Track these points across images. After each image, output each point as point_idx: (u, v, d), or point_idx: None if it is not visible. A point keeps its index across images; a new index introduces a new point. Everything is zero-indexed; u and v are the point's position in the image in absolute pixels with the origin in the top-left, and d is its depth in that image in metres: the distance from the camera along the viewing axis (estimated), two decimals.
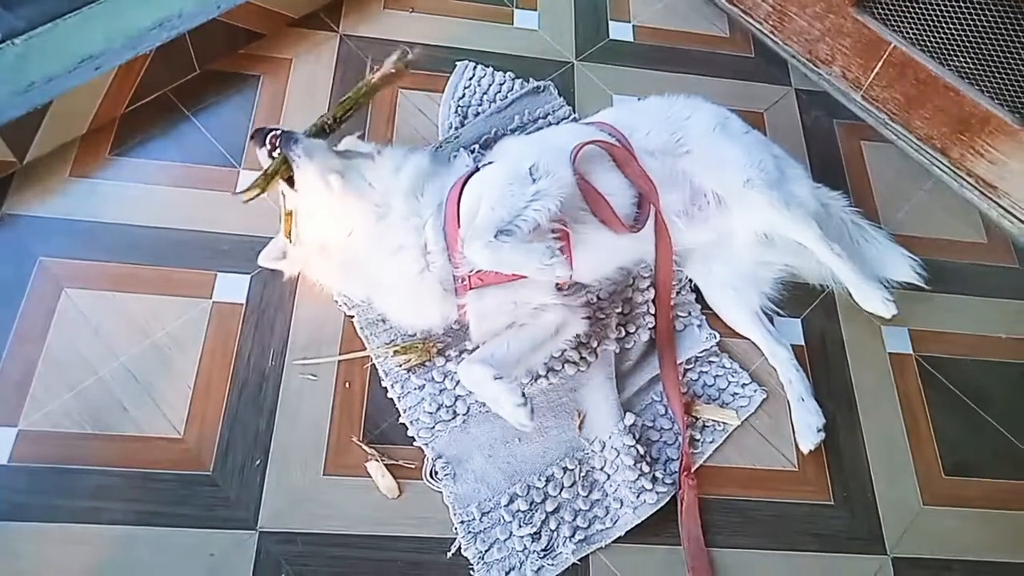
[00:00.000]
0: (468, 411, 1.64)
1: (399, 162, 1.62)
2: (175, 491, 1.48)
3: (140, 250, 1.71)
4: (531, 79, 2.13)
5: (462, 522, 1.52)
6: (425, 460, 1.58)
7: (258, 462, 1.53)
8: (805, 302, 1.90)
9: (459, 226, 1.51)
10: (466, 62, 2.12)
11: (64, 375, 1.55)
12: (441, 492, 1.55)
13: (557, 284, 1.62)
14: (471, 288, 1.54)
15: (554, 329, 1.63)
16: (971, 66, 1.97)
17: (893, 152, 2.22)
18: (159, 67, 1.88)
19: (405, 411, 1.62)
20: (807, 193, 1.77)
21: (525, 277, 1.53)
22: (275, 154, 1.53)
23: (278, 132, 1.54)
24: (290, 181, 1.53)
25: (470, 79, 2.09)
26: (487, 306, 1.57)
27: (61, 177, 1.78)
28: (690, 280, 1.87)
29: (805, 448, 1.71)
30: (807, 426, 1.72)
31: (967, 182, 2.14)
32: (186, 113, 1.92)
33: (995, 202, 2.11)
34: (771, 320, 1.85)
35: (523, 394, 1.44)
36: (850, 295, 1.80)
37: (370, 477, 1.55)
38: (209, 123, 1.91)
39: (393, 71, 1.63)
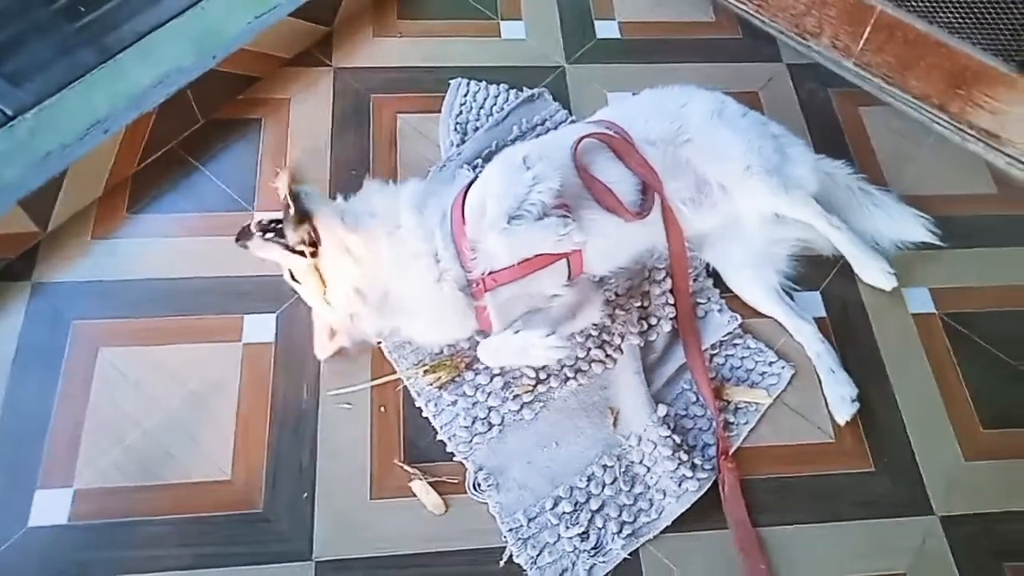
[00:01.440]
0: (503, 421, 1.67)
1: (394, 188, 1.68)
2: (229, 531, 1.52)
3: (167, 302, 1.76)
4: (525, 88, 2.16)
5: (510, 530, 1.55)
6: (467, 473, 1.61)
7: (306, 494, 1.57)
8: (822, 274, 1.91)
9: (465, 230, 1.55)
10: (459, 79, 2.16)
11: (110, 431, 1.60)
12: (486, 503, 1.58)
13: (569, 275, 1.64)
14: (486, 290, 1.57)
15: (570, 312, 1.65)
16: (960, 20, 1.97)
17: (892, 114, 2.23)
18: (164, 123, 1.93)
19: (441, 428, 1.65)
20: (807, 172, 1.79)
21: (537, 271, 1.56)
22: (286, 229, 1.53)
23: (294, 194, 1.52)
24: (312, 246, 1.54)
25: (465, 95, 2.13)
26: (505, 304, 1.59)
27: (84, 240, 1.83)
28: (707, 265, 1.89)
29: (841, 420, 1.71)
30: (840, 398, 1.73)
31: (970, 135, 2.14)
32: (195, 164, 1.97)
33: (1000, 151, 2.11)
34: (791, 296, 1.86)
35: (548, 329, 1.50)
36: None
37: (416, 496, 1.58)
38: (218, 171, 1.96)
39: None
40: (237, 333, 1.73)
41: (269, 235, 1.56)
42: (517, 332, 1.53)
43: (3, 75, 1.83)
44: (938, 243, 1.88)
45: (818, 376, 1.77)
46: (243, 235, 1.58)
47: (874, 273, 1.84)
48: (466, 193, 1.59)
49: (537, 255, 1.54)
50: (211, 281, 1.79)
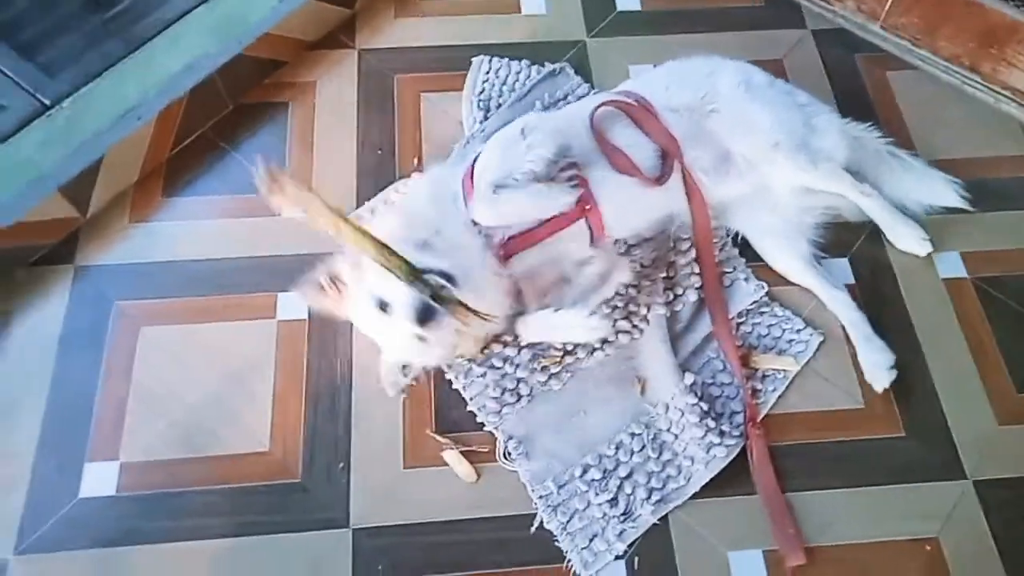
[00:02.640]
0: (531, 391, 1.69)
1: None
2: (269, 501, 1.57)
3: (204, 282, 1.81)
4: (546, 63, 2.16)
5: (540, 497, 1.58)
6: (497, 443, 1.64)
7: (341, 465, 1.61)
8: (850, 240, 1.89)
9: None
10: (481, 56, 2.17)
11: (154, 407, 1.66)
12: (517, 471, 1.61)
13: (593, 237, 1.66)
14: (509, 256, 1.58)
15: (599, 280, 1.68)
16: None
17: (921, 78, 2.19)
18: (194, 108, 1.97)
19: (471, 399, 1.69)
20: (835, 142, 1.77)
21: (554, 233, 1.59)
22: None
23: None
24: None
25: (487, 72, 2.14)
26: (532, 269, 1.62)
27: (122, 225, 1.89)
28: (736, 234, 1.89)
29: (879, 387, 1.70)
30: (877, 365, 1.72)
31: (1003, 95, 2.10)
32: (226, 148, 2.01)
33: None
34: (821, 264, 1.85)
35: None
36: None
37: (447, 466, 1.62)
38: (248, 154, 2.00)
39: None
40: (272, 311, 1.78)
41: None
42: (557, 311, 1.57)
43: (39, 66, 1.88)
44: (968, 208, 1.85)
45: (853, 345, 1.76)
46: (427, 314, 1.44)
47: (908, 240, 1.82)
48: (474, 165, 1.62)
49: (552, 217, 1.56)
50: (245, 261, 1.84)
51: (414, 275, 1.37)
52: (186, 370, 1.70)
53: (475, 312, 1.42)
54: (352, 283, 1.54)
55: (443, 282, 1.41)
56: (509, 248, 1.58)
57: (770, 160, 1.75)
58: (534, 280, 1.63)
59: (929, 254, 1.87)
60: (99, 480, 1.58)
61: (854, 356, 1.76)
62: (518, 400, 1.69)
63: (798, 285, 1.84)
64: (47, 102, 1.85)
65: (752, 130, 1.75)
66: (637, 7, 2.32)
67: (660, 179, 1.67)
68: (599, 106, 1.71)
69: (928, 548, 1.56)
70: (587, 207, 1.61)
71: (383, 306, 1.48)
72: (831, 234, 1.88)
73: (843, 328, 1.79)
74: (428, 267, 1.41)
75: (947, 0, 2.02)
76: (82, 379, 1.68)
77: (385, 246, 1.35)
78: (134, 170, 1.93)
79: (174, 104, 1.93)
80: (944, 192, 1.86)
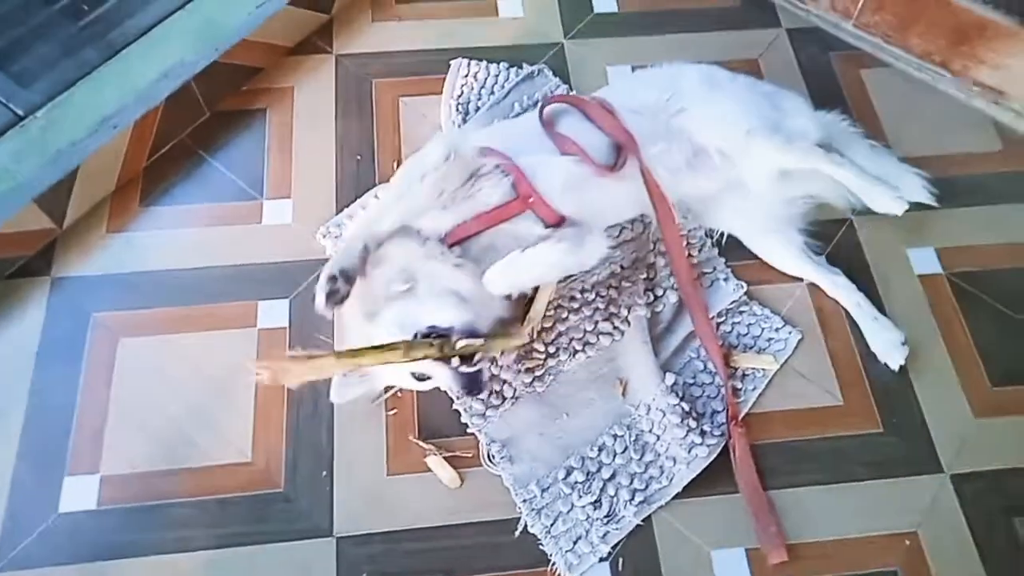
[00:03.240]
0: (515, 394, 1.70)
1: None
2: (253, 511, 1.57)
3: (183, 292, 1.80)
4: (524, 65, 2.17)
5: (524, 500, 1.59)
6: (480, 447, 1.65)
7: (324, 473, 1.61)
8: (826, 239, 1.91)
9: None
10: (459, 60, 2.17)
11: (133, 419, 1.65)
12: (500, 475, 1.62)
13: (547, 225, 1.58)
14: (451, 245, 1.52)
15: (573, 244, 1.53)
16: None
17: (894, 75, 2.21)
18: (171, 116, 1.96)
19: (457, 398, 1.68)
20: (806, 121, 1.79)
21: (497, 223, 1.54)
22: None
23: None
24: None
25: (465, 76, 2.14)
26: (481, 255, 1.53)
27: (99, 235, 1.88)
28: (721, 235, 1.90)
29: (895, 365, 1.74)
30: (890, 343, 1.75)
31: (974, 92, 2.13)
32: (203, 155, 2.00)
33: (1006, 107, 2.09)
34: (818, 238, 1.88)
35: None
36: (865, 209, 1.81)
37: (431, 471, 1.62)
38: (226, 161, 1.99)
39: None
40: (252, 319, 1.77)
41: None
42: (524, 251, 1.48)
43: (12, 76, 1.86)
44: (933, 203, 1.85)
45: (860, 328, 1.79)
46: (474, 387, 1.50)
47: (883, 200, 1.77)
48: None
49: (494, 208, 1.52)
50: (224, 269, 1.83)
51: (443, 354, 1.40)
52: (166, 381, 1.69)
53: (505, 343, 1.50)
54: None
55: (467, 341, 1.41)
56: (450, 238, 1.52)
57: (745, 148, 1.75)
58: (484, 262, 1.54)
59: (903, 250, 1.91)
60: (79, 494, 1.57)
61: (832, 353, 1.78)
62: (503, 402, 1.69)
63: (792, 278, 1.86)
64: (20, 112, 1.83)
65: (723, 122, 1.76)
66: (614, 9, 2.33)
67: (610, 167, 1.66)
68: (549, 100, 1.73)
69: (908, 542, 1.58)
70: (529, 199, 1.54)
71: (423, 378, 1.51)
72: (808, 232, 1.89)
73: (847, 313, 1.82)
74: (442, 329, 1.42)
75: None
76: (61, 392, 1.67)
77: (408, 347, 1.36)
78: (111, 179, 1.92)
79: (151, 112, 1.91)
80: (911, 186, 1.87)
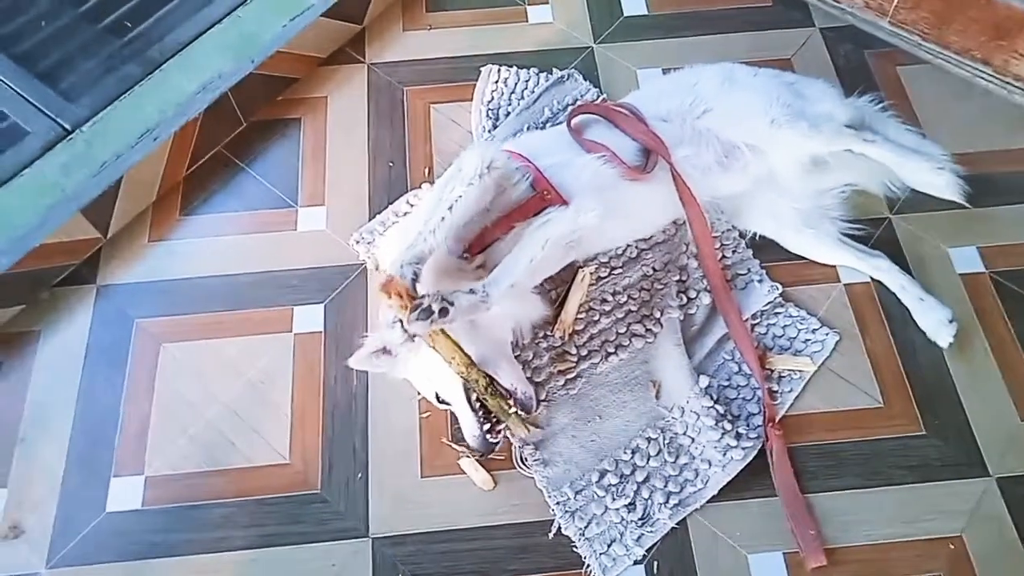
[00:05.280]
0: (547, 396, 1.70)
1: None
2: (290, 512, 1.60)
3: (221, 298, 1.84)
4: (554, 70, 2.18)
5: (557, 503, 1.58)
6: (513, 449, 1.65)
7: (360, 475, 1.63)
8: (863, 239, 1.88)
9: None
10: (490, 66, 2.19)
11: (175, 422, 1.69)
12: (533, 477, 1.62)
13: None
14: (475, 254, 1.57)
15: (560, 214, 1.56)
16: None
17: (932, 72, 2.17)
18: (209, 127, 2.02)
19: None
20: (831, 105, 1.77)
21: (514, 225, 1.57)
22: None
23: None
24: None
25: (496, 82, 2.16)
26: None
27: (141, 244, 1.93)
28: (753, 235, 1.89)
29: (944, 343, 1.72)
30: (938, 322, 1.72)
31: (1016, 88, 2.08)
32: (241, 165, 2.05)
33: None
34: (857, 239, 1.85)
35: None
36: (903, 206, 1.80)
37: (465, 474, 1.63)
38: (263, 170, 2.04)
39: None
40: (288, 324, 1.81)
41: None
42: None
43: (60, 92, 1.93)
44: (963, 202, 1.79)
45: (899, 326, 1.77)
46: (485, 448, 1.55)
47: (923, 173, 1.74)
48: None
49: (512, 209, 1.56)
50: (261, 275, 1.87)
51: (490, 390, 1.47)
52: (206, 385, 1.73)
53: (527, 424, 1.56)
54: (402, 352, 1.52)
55: (514, 409, 1.51)
56: (474, 248, 1.56)
57: (772, 138, 1.73)
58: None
59: (944, 249, 1.86)
60: (125, 494, 1.62)
61: (871, 354, 1.75)
62: (536, 406, 1.69)
63: (828, 279, 1.84)
64: (68, 127, 1.90)
65: (746, 115, 1.75)
66: (644, 11, 2.33)
67: (641, 169, 1.67)
68: (575, 111, 1.74)
69: (952, 546, 1.54)
70: (546, 194, 1.57)
71: (444, 402, 1.58)
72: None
73: (886, 313, 1.80)
74: (503, 386, 1.50)
75: None
76: (106, 396, 1.72)
77: (473, 361, 1.45)
78: (152, 190, 1.98)
79: (190, 124, 1.97)
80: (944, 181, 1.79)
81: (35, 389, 1.74)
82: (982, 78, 2.11)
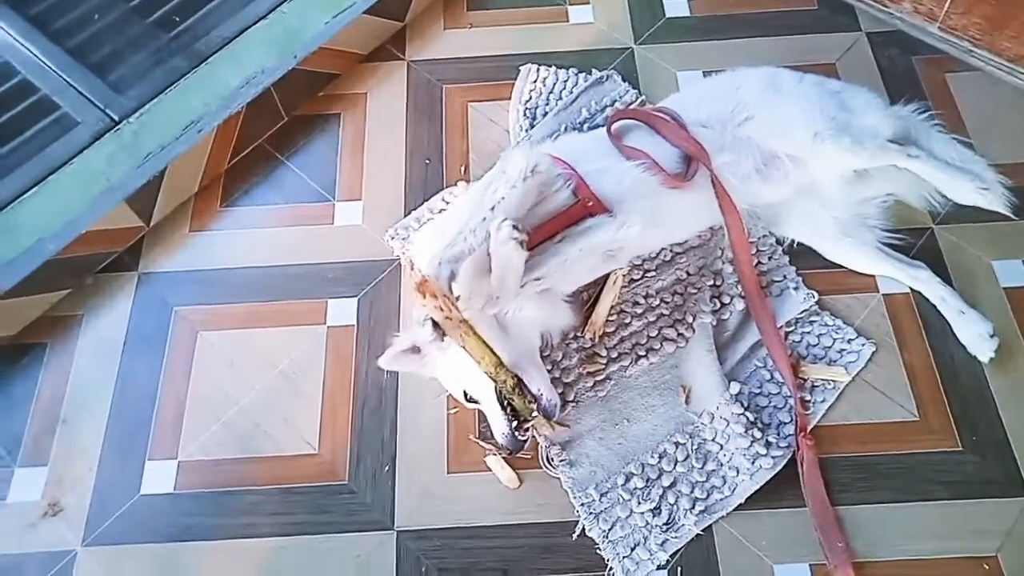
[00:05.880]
0: (575, 397, 1.70)
1: None
2: (318, 501, 1.62)
3: (258, 289, 1.88)
4: (594, 70, 2.17)
5: (582, 504, 1.58)
6: (540, 449, 1.65)
7: (387, 468, 1.65)
8: (905, 250, 1.83)
9: None
10: (529, 65, 2.19)
11: (210, 409, 1.73)
12: (559, 478, 1.62)
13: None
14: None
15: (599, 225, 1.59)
16: None
17: (982, 79, 2.11)
18: (252, 121, 2.05)
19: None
20: (876, 119, 1.73)
21: (557, 231, 1.57)
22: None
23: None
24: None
25: (534, 81, 2.16)
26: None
27: (183, 233, 1.98)
28: (791, 242, 1.86)
29: (984, 357, 1.69)
30: (978, 336, 1.69)
31: None
32: (281, 159, 2.09)
33: None
34: (898, 249, 1.82)
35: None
36: (947, 216, 1.77)
37: (490, 471, 1.63)
38: (302, 164, 2.07)
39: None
40: (322, 316, 1.83)
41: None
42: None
43: (108, 83, 1.99)
44: (1010, 215, 1.73)
45: (947, 322, 1.74)
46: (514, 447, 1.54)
47: (965, 191, 1.71)
48: None
49: (554, 216, 1.56)
50: (297, 268, 1.90)
51: (517, 392, 1.47)
52: (240, 374, 1.77)
53: (552, 423, 1.56)
54: (431, 350, 1.54)
55: (534, 415, 1.50)
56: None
57: (815, 151, 1.71)
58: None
59: (988, 262, 1.82)
60: (159, 478, 1.66)
61: (908, 366, 1.72)
62: (564, 406, 1.69)
63: (867, 288, 1.81)
64: (116, 117, 1.95)
65: (789, 127, 1.72)
66: (686, 12, 2.31)
67: (682, 176, 1.66)
68: (616, 116, 1.74)
69: (986, 566, 1.50)
70: (589, 203, 1.58)
71: (472, 400, 1.57)
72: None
73: (924, 324, 1.76)
74: (530, 389, 1.49)
75: None
76: (144, 381, 1.77)
77: (501, 362, 1.45)
78: (195, 181, 2.02)
79: (233, 117, 2.01)
80: (992, 193, 1.74)
81: (77, 372, 1.79)
82: None
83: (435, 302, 1.39)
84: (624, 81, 2.16)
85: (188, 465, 1.67)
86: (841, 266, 1.83)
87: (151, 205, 1.95)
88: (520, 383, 1.47)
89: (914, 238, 1.85)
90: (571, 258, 1.53)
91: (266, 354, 1.79)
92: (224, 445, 1.69)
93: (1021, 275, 1.81)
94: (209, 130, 1.98)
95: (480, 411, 1.64)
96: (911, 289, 1.80)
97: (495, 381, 1.47)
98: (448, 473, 1.64)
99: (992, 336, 1.68)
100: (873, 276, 1.83)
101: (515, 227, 1.40)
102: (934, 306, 1.76)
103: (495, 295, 1.44)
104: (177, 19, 2.10)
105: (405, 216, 1.96)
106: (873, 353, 1.72)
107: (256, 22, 2.12)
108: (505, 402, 1.49)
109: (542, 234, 1.54)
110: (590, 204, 1.58)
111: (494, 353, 1.45)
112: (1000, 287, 1.80)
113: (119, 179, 1.91)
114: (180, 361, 1.79)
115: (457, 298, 1.40)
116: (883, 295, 1.81)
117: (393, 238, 1.92)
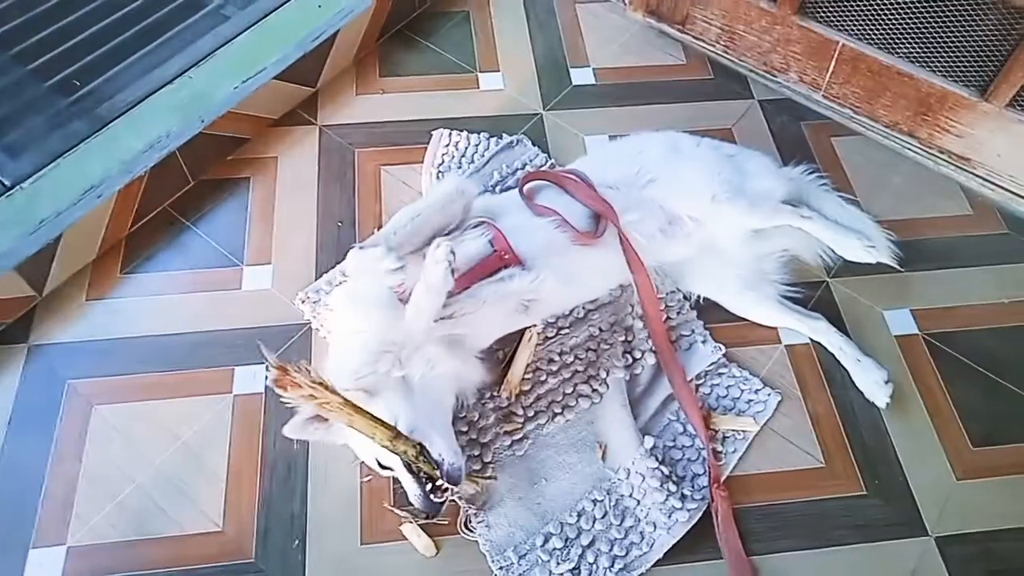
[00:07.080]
0: (493, 458, 1.68)
1: None
2: None
3: (160, 358, 1.79)
4: (504, 135, 2.23)
5: (500, 568, 1.55)
6: (460, 512, 1.61)
7: (297, 542, 1.57)
8: (802, 301, 1.92)
9: None
10: (441, 130, 2.23)
11: (104, 488, 1.62)
12: (477, 541, 1.58)
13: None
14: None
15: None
16: (919, 50, 2.04)
17: (864, 143, 2.28)
18: (155, 185, 2.00)
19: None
20: (770, 182, 1.85)
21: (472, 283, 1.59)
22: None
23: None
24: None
25: (447, 145, 2.20)
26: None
27: (79, 302, 1.88)
28: (697, 297, 1.92)
29: (881, 403, 1.75)
30: (874, 383, 1.76)
31: (941, 159, 2.19)
32: (186, 223, 2.03)
33: (972, 173, 2.15)
34: (796, 302, 1.90)
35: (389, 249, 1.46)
36: (840, 269, 1.87)
37: (407, 539, 1.58)
38: (209, 229, 2.02)
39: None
40: (228, 384, 1.76)
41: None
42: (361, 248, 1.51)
43: (2, 148, 1.90)
44: (896, 267, 1.86)
45: (839, 387, 1.81)
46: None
47: (854, 249, 1.81)
48: None
49: (472, 267, 1.59)
50: (202, 335, 1.83)
51: (421, 459, 1.40)
52: (138, 449, 1.67)
53: (476, 479, 1.58)
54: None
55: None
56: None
57: (713, 212, 1.80)
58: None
59: (879, 311, 1.92)
60: (44, 566, 1.53)
61: (812, 414, 1.78)
62: (483, 467, 1.67)
63: (769, 340, 1.88)
64: (7, 183, 1.86)
65: (688, 190, 1.81)
66: (592, 81, 2.42)
67: (591, 234, 1.71)
68: (528, 177, 1.81)
69: None
70: (504, 255, 1.63)
71: (385, 467, 1.50)
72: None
73: (825, 374, 1.83)
74: (433, 456, 1.42)
75: (882, 71, 2.12)
76: (31, 461, 1.65)
77: (398, 433, 1.38)
78: (92, 247, 1.94)
79: (135, 182, 1.95)
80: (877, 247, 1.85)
81: None
82: (910, 149, 2.23)
83: (301, 392, 1.31)
84: (534, 145, 2.22)
85: (78, 551, 1.55)
86: (745, 319, 1.90)
87: (44, 273, 1.86)
88: (423, 449, 1.42)
89: (811, 291, 1.95)
90: (486, 299, 1.55)
91: (167, 426, 1.70)
92: (119, 527, 1.58)
93: (909, 323, 1.92)
94: (109, 195, 1.91)
95: (395, 477, 1.60)
96: (811, 340, 1.88)
97: (395, 453, 1.41)
98: (362, 544, 1.58)
99: (887, 382, 1.76)
100: (776, 328, 1.90)
101: (452, 252, 1.41)
102: (833, 355, 1.84)
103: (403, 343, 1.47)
104: (78, 83, 2.05)
105: (316, 279, 1.93)
106: (779, 403, 1.78)
107: (162, 86, 2.08)
108: (415, 467, 1.45)
109: (462, 283, 1.55)
110: (506, 256, 1.62)
111: (387, 426, 1.38)
112: (892, 335, 1.90)
113: (9, 247, 1.81)
114: (72, 437, 1.68)
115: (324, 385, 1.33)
116: (785, 346, 1.88)
117: (304, 301, 1.88)
